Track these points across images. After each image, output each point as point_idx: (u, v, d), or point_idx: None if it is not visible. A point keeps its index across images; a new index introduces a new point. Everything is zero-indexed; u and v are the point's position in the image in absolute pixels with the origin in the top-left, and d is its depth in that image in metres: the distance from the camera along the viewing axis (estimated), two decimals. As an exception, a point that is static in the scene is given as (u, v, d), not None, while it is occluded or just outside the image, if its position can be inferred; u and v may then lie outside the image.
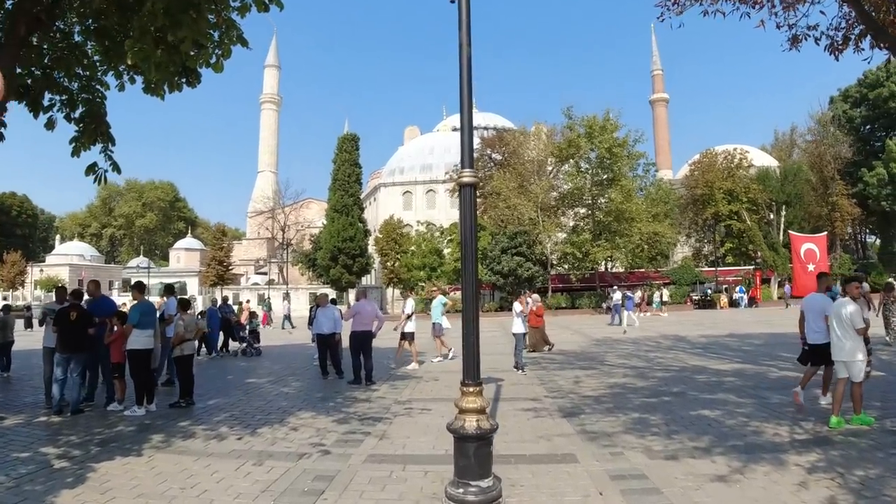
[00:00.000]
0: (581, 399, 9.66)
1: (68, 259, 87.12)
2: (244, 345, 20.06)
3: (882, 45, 10.12)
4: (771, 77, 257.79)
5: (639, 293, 37.81)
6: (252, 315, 25.30)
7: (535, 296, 17.72)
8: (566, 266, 47.65)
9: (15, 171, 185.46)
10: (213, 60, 7.75)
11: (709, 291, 46.39)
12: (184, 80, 8.18)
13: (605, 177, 42.13)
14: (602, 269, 48.49)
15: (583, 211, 46.27)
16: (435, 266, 48.95)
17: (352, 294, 62.59)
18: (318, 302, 14.53)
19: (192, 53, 7.39)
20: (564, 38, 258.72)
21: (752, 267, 48.52)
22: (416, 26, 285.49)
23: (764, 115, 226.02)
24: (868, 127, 54.44)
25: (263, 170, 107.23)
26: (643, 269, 47.71)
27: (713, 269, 49.17)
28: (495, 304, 44.97)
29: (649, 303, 37.98)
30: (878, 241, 65.73)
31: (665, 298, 37.62)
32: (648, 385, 10.91)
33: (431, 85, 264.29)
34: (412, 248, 50.54)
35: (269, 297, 43.45)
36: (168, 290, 14.56)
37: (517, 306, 14.16)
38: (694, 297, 46.39)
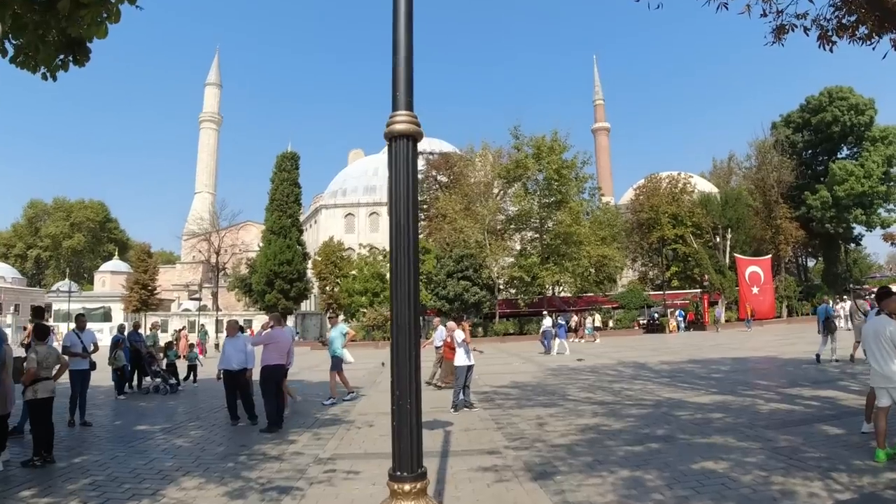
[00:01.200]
0: (551, 450, 7.71)
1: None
2: (157, 380, 17.33)
3: (890, 28, 8.75)
4: (709, 106, 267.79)
5: (574, 318, 36.88)
6: (190, 346, 22.86)
7: (451, 323, 15.39)
8: (514, 291, 46.19)
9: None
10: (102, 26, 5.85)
11: (656, 315, 45.65)
12: (70, 56, 6.30)
13: (552, 199, 40.94)
14: (550, 293, 47.21)
15: (530, 234, 45.04)
16: (378, 291, 46.55)
17: (289, 322, 59.58)
18: (226, 330, 12.09)
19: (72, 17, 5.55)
20: (509, 69, 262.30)
21: (699, 290, 48.08)
22: (362, 49, 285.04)
23: (702, 143, 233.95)
24: (810, 151, 55.35)
25: (201, 191, 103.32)
26: (591, 294, 46.64)
27: (660, 292, 48.47)
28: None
29: (595, 328, 36.76)
30: (817, 264, 66.96)
31: (597, 324, 36.17)
32: (627, 427, 9.07)
33: (377, 109, 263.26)
34: (353, 272, 48.09)
35: (203, 325, 40.20)
36: (78, 319, 12.54)
37: (459, 334, 12.15)
38: (642, 321, 45.58)
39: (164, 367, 17.75)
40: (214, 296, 75.71)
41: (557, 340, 25.83)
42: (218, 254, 72.49)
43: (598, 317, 36.95)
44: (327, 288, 45.92)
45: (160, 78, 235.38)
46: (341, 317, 18.04)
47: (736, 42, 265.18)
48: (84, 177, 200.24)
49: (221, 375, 11.34)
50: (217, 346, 43.98)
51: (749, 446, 7.47)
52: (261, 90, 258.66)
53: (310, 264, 53.07)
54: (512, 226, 45.11)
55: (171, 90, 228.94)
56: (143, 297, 47.06)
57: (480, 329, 40.93)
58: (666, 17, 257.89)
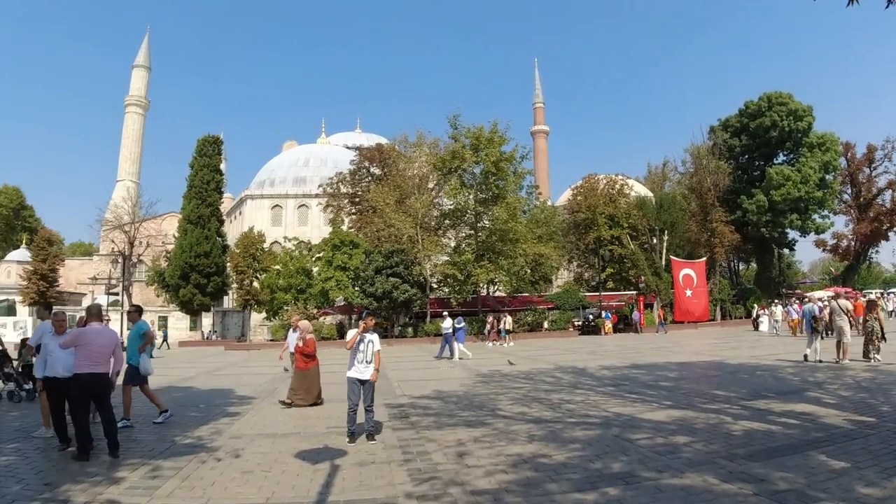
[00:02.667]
0: (471, 499, 5.44)
1: None
2: (10, 385, 14.28)
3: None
4: (647, 113, 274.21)
5: (490, 319, 34.92)
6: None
7: (305, 322, 12.78)
8: (446, 289, 44.05)
9: None
10: None
11: (591, 317, 44.45)
12: None
13: (489, 194, 38.96)
14: (484, 292, 45.28)
15: (466, 230, 43.00)
16: (303, 287, 43.63)
17: (206, 319, 55.68)
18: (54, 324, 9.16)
19: None
20: (451, 68, 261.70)
21: (634, 292, 47.19)
22: (304, 37, 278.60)
23: (638, 149, 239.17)
24: (747, 156, 55.48)
25: (123, 179, 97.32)
26: (526, 294, 44.96)
27: (596, 294, 47.30)
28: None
29: (498, 331, 34.30)
30: (750, 268, 67.61)
31: (508, 327, 33.62)
32: (572, 458, 6.89)
33: (315, 99, 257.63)
34: (277, 266, 44.95)
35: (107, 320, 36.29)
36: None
37: (349, 337, 9.40)
38: (577, 323, 44.24)
39: (18, 370, 14.68)
40: (126, 289, 70.49)
41: (457, 344, 23.54)
42: (132, 244, 67.49)
43: (509, 319, 34.54)
44: (245, 282, 42.54)
45: (86, 57, 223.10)
46: (147, 313, 14.50)
47: (676, 46, 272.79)
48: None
49: (40, 387, 8.63)
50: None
51: (740, 490, 5.44)
52: (194, 76, 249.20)
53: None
54: (446, 222, 42.91)
55: (99, 70, 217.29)
56: (42, 290, 42.40)
57: (410, 329, 38.62)
58: (606, 18, 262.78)
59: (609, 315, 43.18)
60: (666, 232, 48.42)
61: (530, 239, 39.77)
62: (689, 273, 47.60)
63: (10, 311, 55.58)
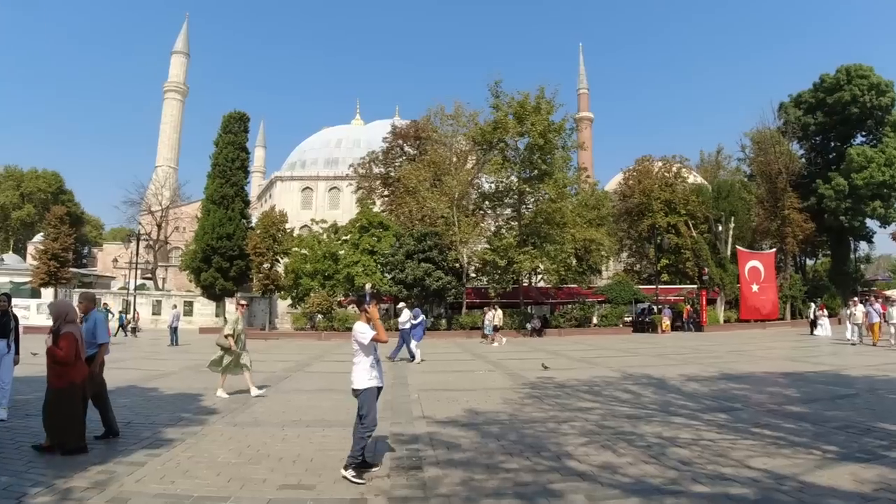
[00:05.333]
0: None
1: (-89, 248, 73.55)
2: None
3: None
4: (698, 98, 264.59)
5: (490, 314, 29.06)
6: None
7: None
8: (485, 278, 40.06)
9: None
10: None
11: (645, 312, 39.98)
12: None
13: (534, 172, 34.62)
14: (526, 282, 41.01)
15: (507, 213, 38.79)
16: (330, 273, 40.09)
17: (229, 304, 52.81)
18: None
19: None
20: (491, 55, 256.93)
21: (692, 286, 42.44)
22: (335, 25, 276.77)
23: (685, 136, 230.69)
24: (822, 136, 49.96)
25: (162, 164, 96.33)
26: (573, 285, 40.57)
27: (651, 286, 42.64)
28: (396, 321, 36.88)
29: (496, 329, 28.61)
30: (819, 262, 61.95)
31: (497, 322, 28.59)
32: None
33: (355, 85, 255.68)
34: (304, 250, 41.50)
35: (105, 304, 33.39)
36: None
37: (361, 331, 6.01)
38: (628, 319, 39.74)
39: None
40: (154, 273, 68.51)
41: (413, 343, 18.82)
42: (160, 227, 65.40)
43: (499, 312, 29.46)
44: (264, 266, 39.16)
45: (125, 44, 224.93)
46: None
47: (731, 28, 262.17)
48: (40, 146, 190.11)
49: None
50: (134, 330, 37.27)
51: None
52: (233, 62, 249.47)
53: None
54: (486, 203, 38.76)
55: (138, 58, 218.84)
56: (53, 270, 39.93)
57: (444, 321, 34.74)
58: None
59: (669, 310, 38.67)
60: (733, 218, 43.37)
61: (580, 223, 35.44)
62: (756, 265, 42.62)
63: (35, 293, 53.58)
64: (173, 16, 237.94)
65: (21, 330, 9.11)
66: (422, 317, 19.45)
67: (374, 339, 6.04)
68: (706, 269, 41.05)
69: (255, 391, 11.00)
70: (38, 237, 79.01)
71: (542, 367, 15.09)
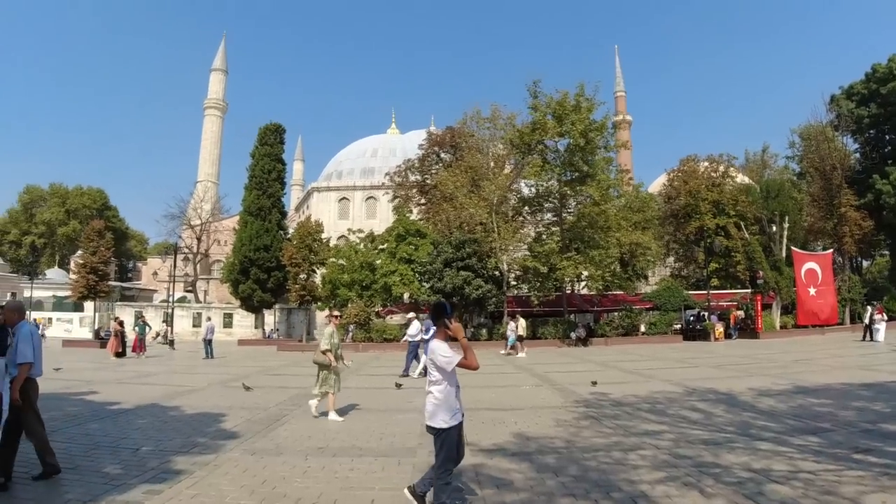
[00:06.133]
0: None
1: (-38, 266, 75.93)
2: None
3: None
4: (734, 96, 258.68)
5: (513, 324, 27.51)
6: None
7: None
8: (526, 286, 38.69)
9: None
10: None
11: (692, 318, 38.06)
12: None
13: (575, 175, 33.20)
14: (569, 289, 39.45)
15: (548, 217, 37.39)
16: (367, 283, 39.28)
17: (269, 317, 52.53)
18: None
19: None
20: (526, 63, 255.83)
21: (748, 290, 40.28)
22: (376, 37, 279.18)
23: (727, 135, 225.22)
24: (876, 129, 47.34)
25: (203, 179, 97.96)
26: (618, 291, 38.86)
27: (702, 292, 40.64)
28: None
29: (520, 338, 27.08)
30: (876, 263, 58.83)
31: (521, 332, 27.02)
32: None
33: (390, 97, 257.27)
34: (341, 260, 40.84)
35: (142, 316, 33.11)
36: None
37: (443, 354, 4.90)
38: (676, 327, 37.80)
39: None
40: (194, 286, 68.98)
41: (423, 357, 17.41)
42: (199, 240, 65.83)
43: (522, 322, 27.82)
44: (300, 276, 38.61)
45: (166, 62, 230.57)
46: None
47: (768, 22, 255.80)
48: (84, 164, 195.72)
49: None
50: (171, 343, 36.95)
51: None
52: (269, 78, 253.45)
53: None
54: (525, 209, 37.43)
55: (178, 75, 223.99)
56: (92, 283, 40.07)
57: (484, 331, 33.53)
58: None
59: (714, 317, 36.76)
60: (786, 218, 41.13)
61: (625, 226, 33.86)
62: (812, 267, 40.27)
63: (77, 307, 54.25)
64: (212, 34, 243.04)
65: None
66: (433, 330, 18.13)
67: (462, 366, 4.78)
68: (760, 273, 38.91)
69: (333, 415, 9.91)
70: (80, 252, 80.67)
71: (591, 384, 13.70)
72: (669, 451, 7.34)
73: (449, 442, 4.79)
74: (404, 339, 18.99)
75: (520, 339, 26.79)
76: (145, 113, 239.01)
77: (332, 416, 9.84)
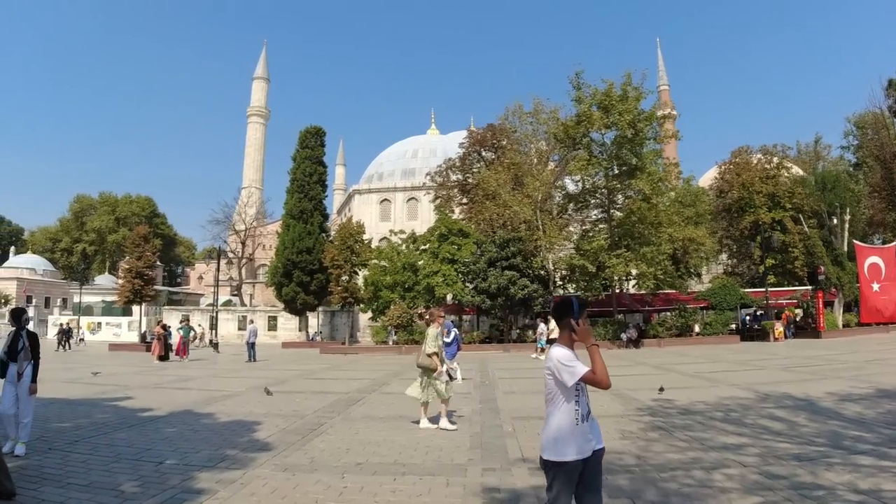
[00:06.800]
0: None
1: (17, 272, 78.30)
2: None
3: None
4: (788, 85, 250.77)
5: (543, 325, 26.10)
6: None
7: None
8: (573, 286, 37.49)
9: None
10: None
11: (763, 315, 36.32)
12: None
13: (623, 168, 31.85)
14: (618, 289, 38.00)
15: (595, 213, 36.10)
16: (410, 285, 38.66)
17: (313, 320, 52.40)
18: None
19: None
20: (565, 59, 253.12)
21: (808, 287, 38.26)
22: (415, 40, 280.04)
23: (775, 127, 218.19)
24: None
25: (248, 185, 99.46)
26: (670, 290, 37.26)
27: (759, 290, 38.70)
28: (480, 333, 34.76)
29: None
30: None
31: (554, 335, 24.68)
32: None
33: (429, 100, 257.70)
34: (383, 262, 40.35)
35: (187, 320, 33.17)
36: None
37: (567, 362, 3.62)
38: (732, 327, 36.04)
39: None
40: (240, 289, 69.63)
41: (448, 363, 16.15)
42: (244, 244, 66.47)
43: (552, 324, 25.90)
44: (343, 278, 38.25)
45: (209, 72, 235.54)
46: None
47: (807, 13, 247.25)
48: (135, 173, 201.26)
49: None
50: (215, 346, 36.93)
51: None
52: (310, 84, 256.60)
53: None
54: (571, 205, 36.20)
55: (221, 85, 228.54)
56: (137, 288, 40.51)
57: (531, 332, 32.51)
58: None
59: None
60: (848, 210, 38.92)
61: (677, 221, 32.36)
62: (876, 262, 38.11)
63: (126, 311, 55.18)
64: (253, 42, 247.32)
65: (39, 350, 7.63)
66: (455, 332, 16.84)
67: (588, 381, 3.52)
68: (822, 268, 36.92)
69: (424, 422, 9.21)
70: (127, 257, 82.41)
71: (658, 390, 12.48)
72: (758, 468, 6.34)
73: (563, 480, 3.53)
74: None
75: (551, 341, 25.47)
76: (190, 121, 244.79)
77: (423, 421, 9.12)
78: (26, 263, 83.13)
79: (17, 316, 7.35)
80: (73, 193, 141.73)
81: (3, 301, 71.46)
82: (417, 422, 9.20)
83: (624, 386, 13.81)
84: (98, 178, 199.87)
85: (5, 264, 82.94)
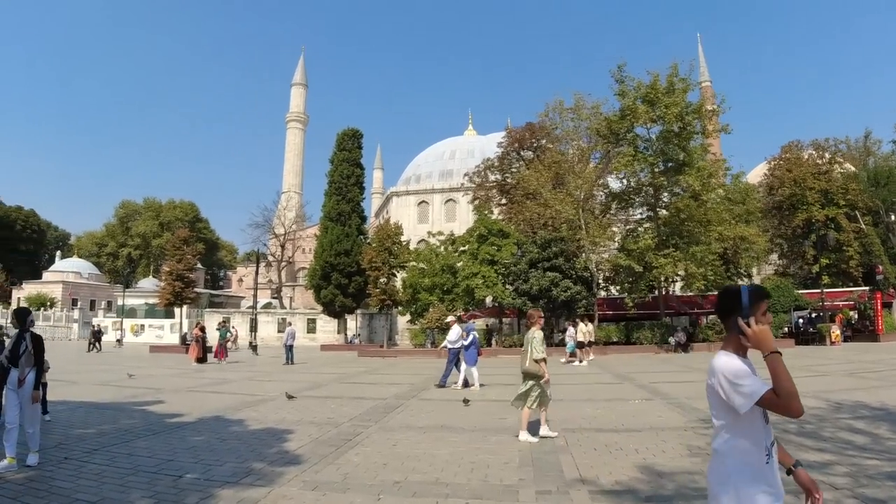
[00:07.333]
0: None
1: (63, 276, 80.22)
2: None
3: None
4: (836, 78, 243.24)
5: (572, 329, 24.79)
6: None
7: None
8: (616, 287, 36.31)
9: (33, 190, 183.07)
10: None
11: (818, 318, 34.64)
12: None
13: (669, 164, 30.55)
14: (664, 290, 36.60)
15: (639, 212, 34.82)
16: (449, 287, 37.97)
17: (352, 322, 52.17)
18: None
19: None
20: (601, 58, 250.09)
21: (865, 288, 36.35)
22: (444, 40, 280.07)
23: (820, 121, 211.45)
24: None
25: (287, 190, 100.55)
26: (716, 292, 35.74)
27: (815, 291, 36.91)
28: (521, 336, 33.75)
29: (588, 343, 24.53)
30: None
31: (581, 337, 24.05)
32: None
33: (463, 101, 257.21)
34: (421, 264, 39.78)
35: (225, 322, 33.08)
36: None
37: (738, 379, 2.28)
38: (786, 330, 34.37)
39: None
40: (279, 292, 70.00)
41: (465, 367, 15.38)
42: (283, 247, 66.88)
43: (589, 326, 24.88)
44: (381, 280, 37.79)
45: (248, 79, 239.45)
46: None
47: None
48: (178, 179, 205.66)
49: None
50: (255, 348, 36.82)
51: None
52: (347, 88, 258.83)
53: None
54: (614, 204, 35.00)
55: (263, 92, 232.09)
56: (178, 291, 40.76)
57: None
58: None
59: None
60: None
61: (728, 219, 30.91)
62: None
63: (168, 314, 55.88)
64: (292, 48, 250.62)
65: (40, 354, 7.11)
66: (473, 334, 16.04)
67: (768, 405, 2.38)
68: (880, 268, 35.02)
69: (545, 430, 8.42)
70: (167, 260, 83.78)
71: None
72: (852, 491, 5.47)
73: None
74: (442, 346, 17.17)
75: (580, 345, 24.23)
76: (231, 127, 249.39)
77: (543, 429, 8.35)
78: (72, 267, 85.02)
79: (22, 317, 6.83)
80: (118, 199, 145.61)
81: (49, 304, 73.19)
82: (517, 435, 8.39)
83: (681, 394, 12.86)
84: (143, 184, 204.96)
85: (51, 268, 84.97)
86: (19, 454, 6.49)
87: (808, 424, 9.06)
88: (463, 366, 15.48)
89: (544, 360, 8.45)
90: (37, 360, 6.67)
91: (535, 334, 8.64)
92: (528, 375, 8.51)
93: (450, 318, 18.25)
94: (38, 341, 6.79)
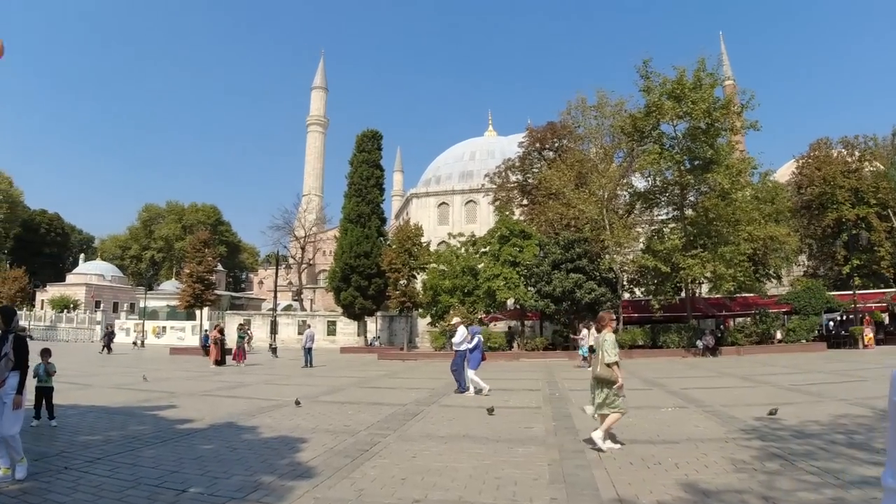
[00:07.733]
0: None
1: (87, 279, 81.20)
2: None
3: None
4: (860, 73, 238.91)
5: (585, 331, 23.21)
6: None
7: None
8: (640, 289, 35.50)
9: (57, 193, 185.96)
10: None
11: (850, 320, 33.59)
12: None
13: (696, 162, 29.72)
14: (691, 292, 35.68)
15: (665, 212, 34.03)
16: (470, 289, 37.45)
17: (372, 324, 51.84)
18: None
19: None
20: (620, 58, 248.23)
21: (891, 290, 35.25)
22: (464, 42, 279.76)
23: (853, 121, 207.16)
24: None
25: (308, 193, 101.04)
26: (748, 294, 34.71)
27: (847, 293, 35.79)
28: (544, 339, 33.05)
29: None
30: None
31: (593, 341, 22.02)
32: None
33: (483, 102, 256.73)
34: (442, 265, 39.31)
35: (244, 325, 32.90)
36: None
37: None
38: (816, 333, 33.31)
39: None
40: (299, 294, 69.96)
41: (469, 373, 14.62)
42: (303, 249, 66.85)
43: (594, 331, 22.91)
44: (401, 282, 37.44)
45: (269, 82, 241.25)
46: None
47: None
48: (200, 182, 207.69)
49: None
50: (274, 350, 36.62)
51: None
52: (367, 91, 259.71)
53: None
54: (639, 204, 34.23)
55: (283, 95, 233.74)
56: (198, 293, 40.76)
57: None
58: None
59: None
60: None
61: (758, 218, 30.00)
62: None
63: (189, 315, 56.01)
64: (312, 52, 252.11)
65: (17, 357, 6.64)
66: (478, 338, 15.30)
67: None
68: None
69: (607, 443, 7.78)
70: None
71: (769, 413, 10.36)
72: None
73: None
74: (455, 348, 16.46)
75: (591, 349, 23.40)
76: (252, 130, 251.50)
77: (606, 442, 7.74)
78: (95, 270, 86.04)
79: (8, 317, 6.38)
80: (142, 203, 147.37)
81: (72, 306, 73.94)
82: (590, 440, 7.87)
83: (716, 401, 12.21)
84: (167, 188, 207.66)
85: (75, 271, 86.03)
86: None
87: (856, 435, 8.40)
88: (470, 372, 14.78)
89: (617, 363, 7.86)
90: (18, 364, 6.24)
91: (607, 337, 8.05)
92: (600, 381, 7.95)
93: (455, 320, 17.55)
94: (20, 343, 6.35)
